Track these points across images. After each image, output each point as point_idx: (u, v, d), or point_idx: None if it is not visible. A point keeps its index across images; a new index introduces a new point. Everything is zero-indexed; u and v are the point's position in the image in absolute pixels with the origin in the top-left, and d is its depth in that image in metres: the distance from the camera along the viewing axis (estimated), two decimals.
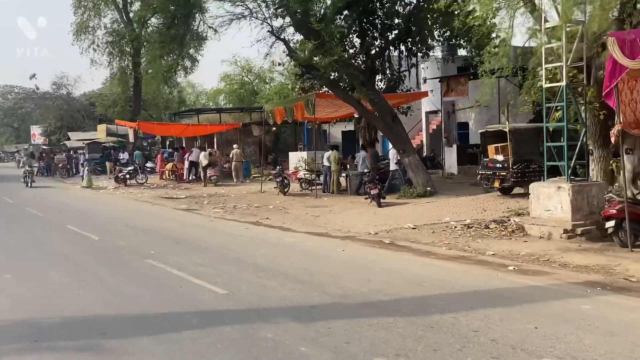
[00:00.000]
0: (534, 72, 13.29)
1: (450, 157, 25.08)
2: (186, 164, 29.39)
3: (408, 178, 19.74)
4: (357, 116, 28.33)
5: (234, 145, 28.56)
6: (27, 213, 17.57)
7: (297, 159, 30.54)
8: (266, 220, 14.92)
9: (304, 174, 22.87)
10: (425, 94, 23.98)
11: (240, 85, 47.01)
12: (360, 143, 27.56)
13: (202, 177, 26.73)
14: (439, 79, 24.13)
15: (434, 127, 31.30)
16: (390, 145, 22.02)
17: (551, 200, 10.33)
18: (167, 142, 54.48)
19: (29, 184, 28.05)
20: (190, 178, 28.87)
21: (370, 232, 12.21)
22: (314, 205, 17.51)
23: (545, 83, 10.68)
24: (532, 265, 8.62)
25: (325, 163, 21.73)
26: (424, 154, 29.54)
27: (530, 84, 13.17)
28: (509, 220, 11.64)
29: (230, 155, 28.51)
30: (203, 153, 27.30)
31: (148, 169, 31.15)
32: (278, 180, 21.04)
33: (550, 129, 12.17)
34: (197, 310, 6.53)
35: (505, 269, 8.38)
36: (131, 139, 31.03)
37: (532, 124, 14.96)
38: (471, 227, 11.68)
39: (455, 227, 11.96)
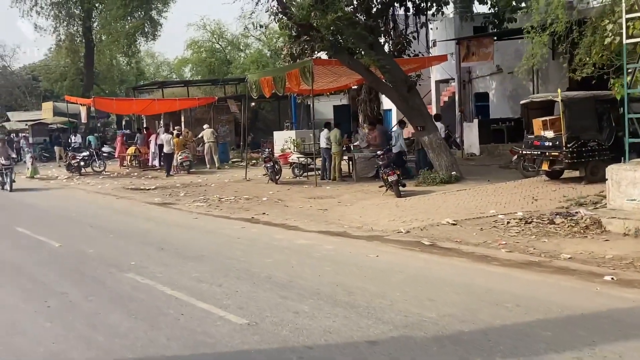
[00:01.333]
0: (594, 27, 12.31)
1: (470, 135, 24.12)
2: (152, 147, 28.05)
3: (428, 161, 18.80)
4: (355, 87, 27.33)
5: (205, 126, 27.20)
6: None
7: (283, 139, 29.57)
8: (263, 216, 13.83)
9: (298, 158, 21.74)
10: (444, 57, 22.92)
11: (210, 53, 45.49)
12: (360, 119, 26.56)
13: (166, 166, 25.07)
14: (456, 41, 23.07)
15: (446, 98, 30.38)
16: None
17: (637, 187, 9.37)
18: (123, 122, 52.96)
19: None
20: (159, 165, 27.58)
21: (400, 230, 11.18)
22: (317, 196, 16.47)
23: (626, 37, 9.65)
24: (632, 272, 7.65)
25: (323, 144, 20.68)
26: None
27: (591, 42, 12.16)
28: (578, 212, 10.67)
29: (201, 136, 27.10)
30: (165, 135, 25.65)
31: (105, 155, 29.72)
32: (268, 165, 19.89)
33: (619, 96, 11.24)
34: (216, 352, 5.43)
35: (600, 279, 7.39)
36: (84, 119, 29.55)
37: (589, 92, 13.96)
38: (530, 222, 10.68)
39: (508, 222, 10.97)
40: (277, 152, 28.98)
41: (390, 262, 8.78)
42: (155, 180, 23.47)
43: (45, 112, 40.23)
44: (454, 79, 28.30)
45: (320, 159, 21.22)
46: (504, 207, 12.53)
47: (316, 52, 22.15)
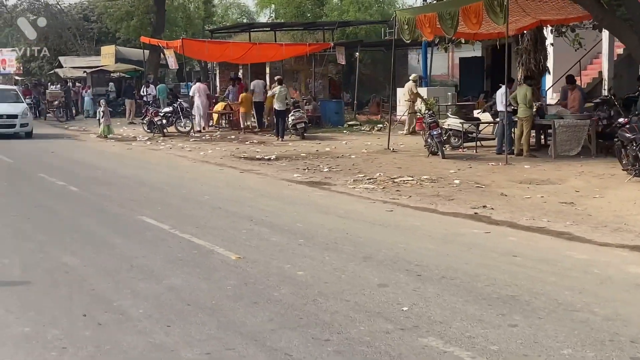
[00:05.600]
0: None
1: None
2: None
3: None
4: (511, 35, 23.37)
5: (413, 75, 23.24)
6: (52, 186, 13.24)
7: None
8: (486, 210, 10.39)
9: (461, 124, 18.06)
10: None
11: None
12: (520, 75, 22.66)
13: (279, 129, 21.69)
14: None
15: (620, 50, 26.06)
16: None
17: None
18: (184, 73, 49.96)
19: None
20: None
21: None
22: (528, 180, 13.00)
23: None
24: None
25: (500, 107, 17.05)
26: (604, 92, 24.52)
27: None
28: None
29: (409, 91, 22.45)
30: (279, 88, 22.06)
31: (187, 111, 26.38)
32: (435, 133, 16.26)
33: None
34: None
35: None
36: (172, 65, 26.39)
37: None
38: None
39: None
40: (400, 115, 25.54)
41: None
42: (266, 146, 20.18)
43: (106, 58, 37.34)
44: None
45: (496, 126, 17.70)
46: None
47: None
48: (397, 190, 12.31)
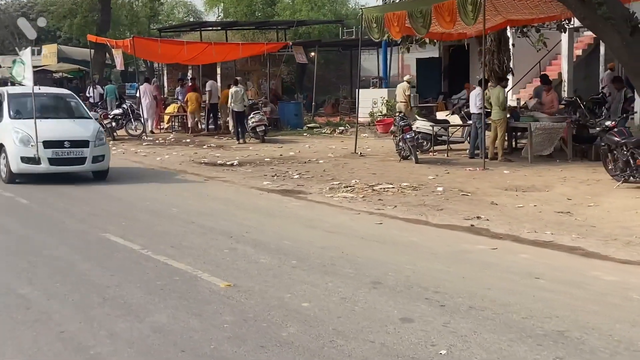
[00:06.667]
0: None
1: None
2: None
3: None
4: (475, 36, 22.79)
5: (406, 77, 22.08)
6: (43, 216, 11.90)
7: (371, 99, 25.24)
8: (481, 222, 9.64)
9: (432, 127, 17.34)
10: None
11: None
12: (481, 77, 22.07)
13: (238, 132, 20.79)
14: None
15: (579, 52, 25.83)
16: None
17: None
18: (127, 73, 48.27)
19: None
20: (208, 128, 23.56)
21: None
22: (511, 186, 12.33)
23: None
24: None
25: (474, 109, 16.45)
26: (564, 93, 24.22)
27: None
28: None
29: (402, 92, 20.65)
30: (234, 89, 21.19)
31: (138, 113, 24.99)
32: (408, 137, 15.45)
33: None
34: None
35: None
36: (119, 65, 24.95)
37: None
38: None
39: None
40: (362, 116, 24.74)
41: None
42: (226, 150, 19.10)
43: (47, 58, 35.47)
44: None
45: (467, 129, 17.11)
46: None
47: None
48: (380, 200, 11.43)
